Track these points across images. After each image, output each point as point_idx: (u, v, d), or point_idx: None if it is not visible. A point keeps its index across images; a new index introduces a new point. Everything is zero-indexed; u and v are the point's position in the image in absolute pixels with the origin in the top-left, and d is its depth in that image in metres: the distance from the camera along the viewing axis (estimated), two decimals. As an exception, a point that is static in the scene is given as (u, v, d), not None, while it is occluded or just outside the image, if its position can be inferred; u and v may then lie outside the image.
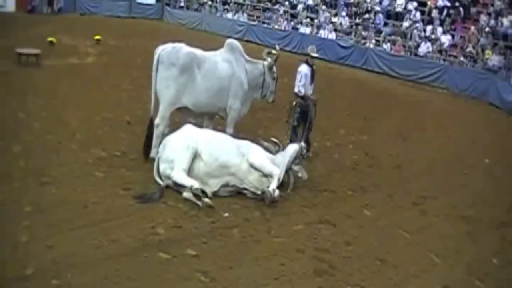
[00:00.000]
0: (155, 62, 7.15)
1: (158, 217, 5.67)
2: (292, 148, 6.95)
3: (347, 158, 8.72)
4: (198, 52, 7.48)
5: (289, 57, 14.89)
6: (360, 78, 16.93)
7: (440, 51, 18.19)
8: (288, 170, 6.75)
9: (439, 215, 6.90)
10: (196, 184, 6.03)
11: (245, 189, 6.47)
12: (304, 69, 8.17)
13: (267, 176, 6.45)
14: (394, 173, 8.32)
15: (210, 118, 7.89)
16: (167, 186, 6.28)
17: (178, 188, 6.21)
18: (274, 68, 8.09)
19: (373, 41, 19.72)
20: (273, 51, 8.20)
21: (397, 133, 10.82)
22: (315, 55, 8.36)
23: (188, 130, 6.65)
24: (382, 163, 8.71)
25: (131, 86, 11.23)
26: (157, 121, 7.18)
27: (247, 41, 19.89)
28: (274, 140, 7.20)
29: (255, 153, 6.63)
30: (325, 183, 7.36)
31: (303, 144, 7.18)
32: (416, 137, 10.75)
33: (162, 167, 6.33)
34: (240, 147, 6.63)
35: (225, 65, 7.57)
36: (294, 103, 8.15)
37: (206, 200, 5.99)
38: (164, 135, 6.93)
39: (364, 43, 19.77)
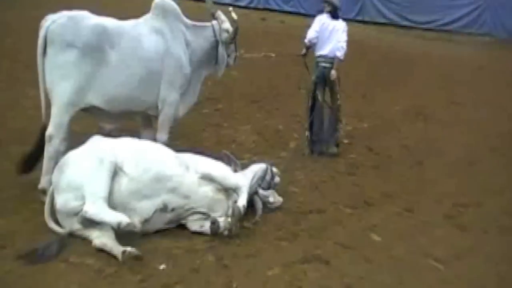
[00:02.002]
0: (40, 41, 6.98)
1: (56, 284, 5.54)
2: (257, 167, 7.18)
3: (341, 158, 8.85)
4: (110, 23, 7.36)
5: (245, 16, 14.87)
6: (354, 36, 16.94)
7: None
8: (253, 194, 6.90)
9: (487, 230, 7.03)
10: (125, 219, 5.98)
11: (192, 212, 6.54)
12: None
13: (228, 190, 6.60)
14: (413, 174, 8.47)
15: (146, 121, 7.92)
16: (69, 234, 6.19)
17: (87, 231, 6.13)
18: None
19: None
20: None
21: (414, 112, 10.99)
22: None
23: (98, 142, 6.59)
24: (394, 161, 8.88)
25: (0, 84, 11.06)
26: (49, 131, 7.00)
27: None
28: (226, 152, 7.34)
29: (209, 162, 6.80)
30: (310, 201, 7.42)
31: (274, 169, 7.36)
32: (443, 116, 10.96)
33: (62, 199, 6.23)
34: (180, 158, 6.73)
35: (153, 38, 7.52)
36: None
37: (129, 249, 5.92)
38: (60, 154, 6.82)
39: (356, -17, 20.00)
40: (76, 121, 7.32)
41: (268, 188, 7.12)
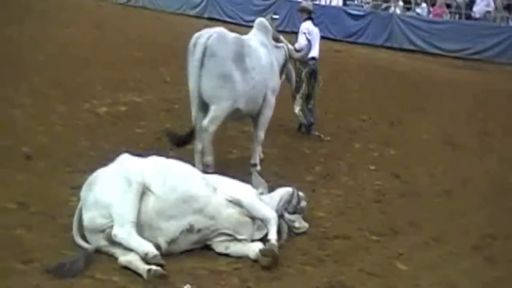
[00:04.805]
0: (199, 55, 7.98)
1: (82, 299, 5.64)
2: (284, 190, 7.26)
3: (367, 184, 8.90)
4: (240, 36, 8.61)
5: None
6: (382, 62, 17.17)
7: (508, 7, 18.18)
8: (279, 217, 6.90)
9: (517, 263, 7.00)
10: (152, 250, 6.03)
11: (218, 233, 6.59)
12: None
13: (255, 219, 6.66)
14: (441, 203, 8.48)
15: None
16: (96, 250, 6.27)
17: (113, 248, 6.21)
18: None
19: (400, 3, 19.98)
20: (274, 16, 9.97)
21: (443, 140, 11.01)
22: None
23: (126, 161, 6.69)
24: (421, 189, 8.89)
25: (30, 99, 11.16)
26: (205, 123, 8.07)
27: (209, 18, 20.07)
28: (256, 174, 7.56)
29: (237, 186, 6.86)
30: (335, 226, 7.44)
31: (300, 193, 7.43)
32: (473, 145, 10.98)
33: (89, 216, 6.32)
34: (207, 179, 6.82)
35: (263, 50, 8.81)
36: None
37: (155, 268, 5.98)
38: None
39: (387, 8, 20.04)
40: (105, 138, 7.45)
41: (294, 212, 7.14)
